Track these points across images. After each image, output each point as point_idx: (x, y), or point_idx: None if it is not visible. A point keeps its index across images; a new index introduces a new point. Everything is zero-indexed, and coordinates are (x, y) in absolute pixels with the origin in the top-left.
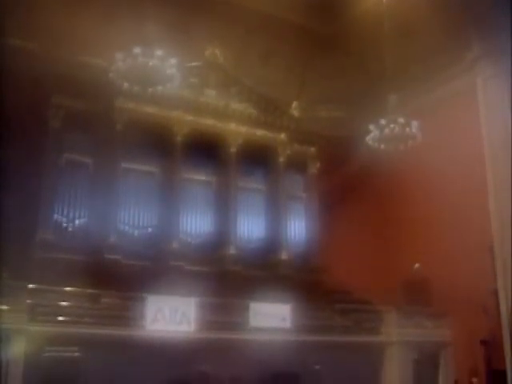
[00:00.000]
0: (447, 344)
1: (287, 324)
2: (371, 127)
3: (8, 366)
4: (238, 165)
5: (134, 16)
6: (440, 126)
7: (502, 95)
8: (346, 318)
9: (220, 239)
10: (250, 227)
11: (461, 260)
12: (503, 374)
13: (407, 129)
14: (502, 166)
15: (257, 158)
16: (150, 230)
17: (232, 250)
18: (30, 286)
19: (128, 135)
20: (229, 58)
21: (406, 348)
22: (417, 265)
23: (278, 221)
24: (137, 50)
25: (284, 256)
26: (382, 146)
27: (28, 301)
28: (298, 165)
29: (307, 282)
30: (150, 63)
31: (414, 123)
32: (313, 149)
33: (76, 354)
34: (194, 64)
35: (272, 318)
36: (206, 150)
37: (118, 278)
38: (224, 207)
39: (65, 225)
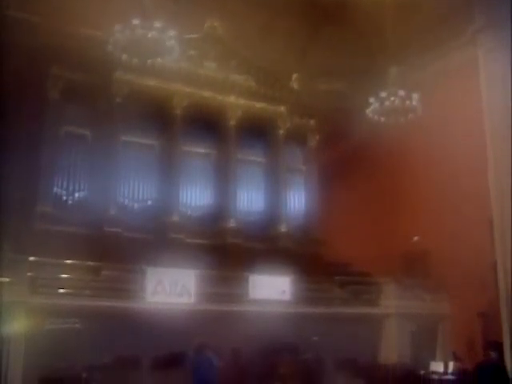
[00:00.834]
0: (445, 316)
1: (286, 296)
2: (371, 100)
3: (9, 338)
4: (238, 137)
5: None
6: (440, 99)
7: (504, 68)
8: (344, 290)
9: (220, 212)
10: (250, 200)
11: (460, 233)
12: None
13: (407, 102)
14: (502, 139)
15: (256, 130)
16: (149, 202)
17: (232, 223)
18: (31, 258)
19: (127, 108)
20: (228, 31)
21: (404, 320)
22: (416, 237)
23: (277, 193)
24: (136, 21)
25: (283, 229)
26: (382, 119)
27: (29, 273)
28: (297, 137)
29: (306, 254)
30: (149, 35)
31: (415, 96)
32: (312, 121)
33: (76, 325)
34: (193, 36)
35: (271, 290)
36: (205, 122)
37: (118, 251)
38: (224, 180)
39: (64, 198)
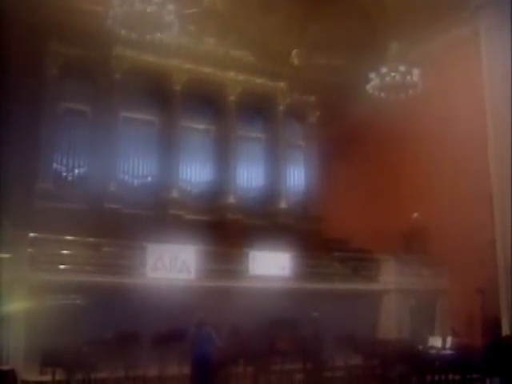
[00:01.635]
0: (444, 292)
1: (286, 272)
2: (372, 75)
3: (10, 314)
4: (237, 113)
5: None
6: (441, 75)
7: (505, 44)
8: (344, 266)
9: (219, 188)
10: (250, 176)
11: (460, 209)
12: (498, 321)
13: (408, 77)
14: (503, 115)
15: (256, 106)
16: (149, 179)
17: (231, 199)
18: (31, 234)
19: (127, 84)
20: (228, 6)
21: (403, 296)
22: (416, 214)
23: (277, 170)
24: None
25: (283, 205)
26: (383, 95)
27: (29, 249)
28: (297, 113)
29: (306, 230)
30: (148, 10)
31: (415, 71)
32: (313, 97)
33: (77, 301)
34: (192, 11)
35: (271, 266)
36: (205, 98)
37: (119, 227)
38: (223, 156)
39: (64, 174)
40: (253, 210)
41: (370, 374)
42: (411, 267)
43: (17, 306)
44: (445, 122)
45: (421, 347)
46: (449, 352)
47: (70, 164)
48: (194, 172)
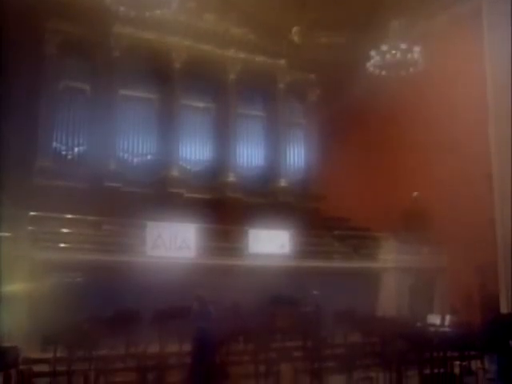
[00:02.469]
0: (443, 270)
1: (286, 250)
2: (372, 53)
3: (11, 293)
4: (237, 91)
5: None
6: (442, 52)
7: (508, 20)
8: (344, 244)
9: (219, 166)
10: (250, 154)
11: (460, 188)
12: (497, 299)
13: (409, 55)
14: (505, 93)
15: (256, 84)
16: (149, 157)
17: (231, 178)
18: (31, 213)
19: (126, 61)
20: None
21: (402, 274)
22: (416, 193)
23: (277, 148)
24: None
25: (283, 183)
26: (384, 73)
27: (29, 228)
28: (297, 92)
29: (306, 208)
30: None
31: (416, 49)
32: (313, 75)
33: (78, 279)
34: None
35: (271, 244)
36: (204, 76)
37: (119, 205)
38: (223, 134)
39: (64, 152)
40: (253, 188)
41: (370, 351)
42: (411, 245)
43: (18, 284)
44: (446, 99)
45: (420, 325)
46: (447, 329)
47: (70, 142)
48: (194, 150)
